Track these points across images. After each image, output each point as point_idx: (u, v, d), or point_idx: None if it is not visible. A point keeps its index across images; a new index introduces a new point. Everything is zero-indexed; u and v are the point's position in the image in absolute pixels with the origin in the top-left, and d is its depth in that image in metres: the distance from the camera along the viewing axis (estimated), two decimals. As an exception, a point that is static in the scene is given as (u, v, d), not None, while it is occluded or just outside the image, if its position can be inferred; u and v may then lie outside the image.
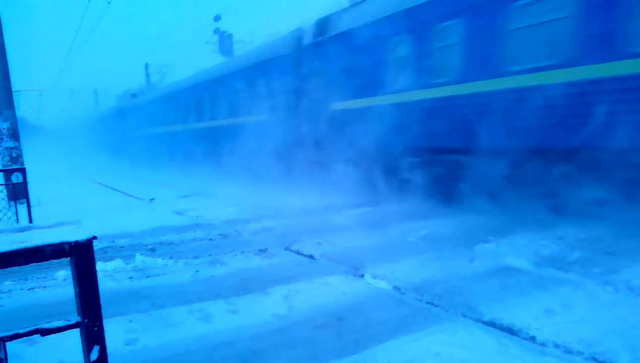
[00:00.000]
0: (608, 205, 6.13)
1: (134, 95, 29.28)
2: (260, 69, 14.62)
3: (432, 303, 4.07)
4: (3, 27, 10.20)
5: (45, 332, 1.43)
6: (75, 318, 1.53)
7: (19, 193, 9.04)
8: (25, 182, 8.83)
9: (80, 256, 1.45)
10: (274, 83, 13.85)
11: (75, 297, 1.51)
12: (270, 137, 13.36)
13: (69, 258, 1.49)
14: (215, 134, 17.20)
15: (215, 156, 16.90)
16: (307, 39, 12.66)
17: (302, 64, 12.55)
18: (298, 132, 12.66)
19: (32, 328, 1.41)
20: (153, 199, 11.71)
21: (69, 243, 1.45)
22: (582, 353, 3.08)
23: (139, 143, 25.73)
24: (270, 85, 14.07)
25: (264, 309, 4.01)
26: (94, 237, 1.49)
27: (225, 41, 20.60)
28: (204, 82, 18.29)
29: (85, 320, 1.49)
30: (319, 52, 11.96)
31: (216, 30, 21.74)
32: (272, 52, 14.18)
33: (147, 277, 5.08)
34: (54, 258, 1.46)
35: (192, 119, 19.26)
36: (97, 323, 1.52)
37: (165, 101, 22.33)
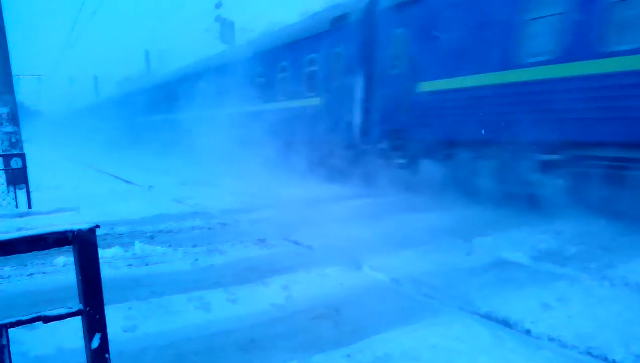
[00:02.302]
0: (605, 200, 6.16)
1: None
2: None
3: (429, 296, 4.10)
4: (3, 11, 10.13)
5: (47, 319, 1.44)
6: (77, 305, 1.54)
7: (18, 178, 9.04)
8: (24, 168, 8.82)
9: (83, 244, 1.46)
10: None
11: (77, 284, 1.52)
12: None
13: (71, 246, 1.50)
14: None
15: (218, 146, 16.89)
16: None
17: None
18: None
19: (35, 315, 1.42)
20: (152, 186, 11.71)
21: (72, 231, 1.46)
22: (576, 347, 3.11)
23: (138, 131, 25.65)
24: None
25: (262, 299, 4.03)
26: (97, 226, 1.50)
27: (226, 29, 20.45)
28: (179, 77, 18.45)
29: (87, 308, 1.51)
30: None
31: (217, 18, 21.57)
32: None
33: (146, 264, 5.10)
34: (57, 246, 1.47)
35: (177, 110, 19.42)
36: (99, 311, 1.53)
37: (157, 90, 22.47)
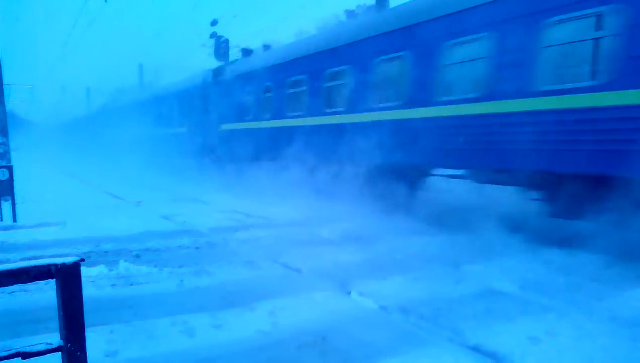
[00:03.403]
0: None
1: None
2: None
3: (418, 325, 4.06)
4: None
5: (26, 356, 1.39)
6: (57, 341, 1.49)
7: (3, 190, 8.90)
8: (11, 179, 8.70)
9: (67, 279, 1.41)
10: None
11: (59, 319, 1.47)
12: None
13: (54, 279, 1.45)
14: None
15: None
16: None
17: None
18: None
19: (13, 351, 1.37)
20: (140, 202, 11.59)
21: (55, 265, 1.41)
22: (565, 384, 3.08)
23: (130, 144, 25.46)
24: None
25: (248, 324, 3.96)
26: (82, 260, 1.45)
27: (220, 46, 20.56)
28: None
29: (68, 345, 1.45)
30: None
31: (212, 35, 21.65)
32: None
33: (131, 285, 5.01)
34: (40, 280, 1.43)
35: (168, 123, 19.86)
36: (80, 348, 1.48)
37: (151, 104, 22.70)
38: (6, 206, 8.75)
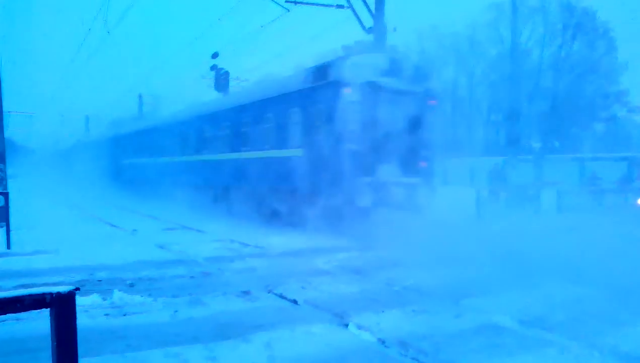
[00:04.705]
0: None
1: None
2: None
3: (417, 360, 3.97)
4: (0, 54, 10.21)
5: (15, 389, 1.34)
6: (48, 373, 1.44)
7: (-1, 217, 8.82)
8: (6, 206, 8.64)
9: (61, 308, 1.38)
10: None
11: (52, 350, 1.43)
12: None
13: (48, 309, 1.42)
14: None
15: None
16: None
17: None
18: None
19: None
20: (136, 230, 11.51)
21: (50, 294, 1.38)
22: (568, 423, 2.99)
23: (127, 172, 25.48)
24: None
25: (243, 357, 3.87)
26: (77, 289, 1.42)
27: (221, 78, 20.84)
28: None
29: (60, 378, 1.41)
30: None
31: (213, 67, 21.94)
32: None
33: (124, 315, 4.92)
34: (34, 309, 1.40)
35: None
36: (72, 381, 1.43)
37: (150, 133, 22.81)
38: (1, 233, 8.66)
